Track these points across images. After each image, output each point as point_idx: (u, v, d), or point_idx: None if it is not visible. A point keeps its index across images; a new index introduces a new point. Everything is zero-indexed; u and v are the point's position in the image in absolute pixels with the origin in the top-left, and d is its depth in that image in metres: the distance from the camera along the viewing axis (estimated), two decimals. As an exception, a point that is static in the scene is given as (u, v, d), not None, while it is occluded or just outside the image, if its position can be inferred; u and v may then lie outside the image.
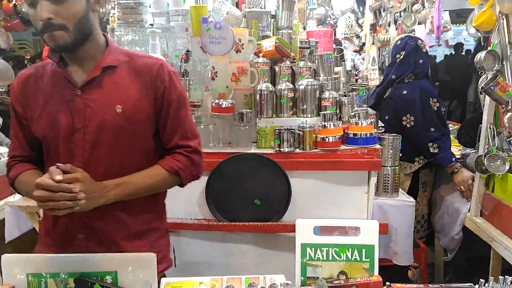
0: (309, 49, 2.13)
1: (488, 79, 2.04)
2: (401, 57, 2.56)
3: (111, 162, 1.19)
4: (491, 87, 1.98)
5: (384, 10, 4.69)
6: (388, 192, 2.03)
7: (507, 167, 2.02)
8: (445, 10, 3.09)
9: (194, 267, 1.98)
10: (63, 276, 1.22)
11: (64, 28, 1.08)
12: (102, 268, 1.22)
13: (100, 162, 1.18)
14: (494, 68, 2.03)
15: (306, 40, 2.16)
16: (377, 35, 4.67)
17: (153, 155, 1.27)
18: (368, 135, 1.90)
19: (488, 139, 2.12)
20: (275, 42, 2.01)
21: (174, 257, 1.80)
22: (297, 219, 1.29)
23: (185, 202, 1.95)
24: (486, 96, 2.10)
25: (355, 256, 1.26)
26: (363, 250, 1.25)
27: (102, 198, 1.13)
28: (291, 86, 1.98)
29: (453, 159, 2.42)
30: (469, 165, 2.34)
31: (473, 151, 2.37)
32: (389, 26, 4.29)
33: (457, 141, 2.65)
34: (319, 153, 1.91)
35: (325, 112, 1.94)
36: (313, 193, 1.94)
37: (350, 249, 1.26)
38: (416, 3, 3.88)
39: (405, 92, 2.53)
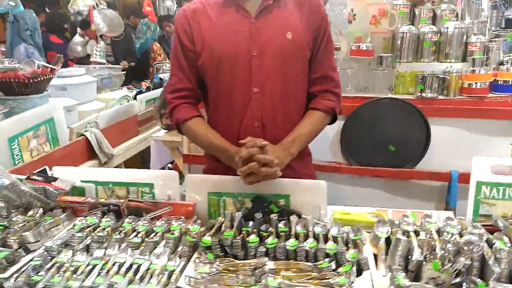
0: (452, -10, 1.99)
1: None
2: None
3: (282, 83, 1.27)
4: None
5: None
6: (534, 145, 1.90)
7: None
8: None
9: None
10: (240, 196, 1.33)
11: None
12: (276, 191, 1.30)
13: (273, 85, 1.26)
14: None
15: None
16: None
17: (306, 81, 1.33)
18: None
19: None
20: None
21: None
22: (474, 157, 1.26)
23: (318, 145, 1.99)
24: None
25: (535, 198, 1.21)
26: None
27: (288, 158, 1.25)
28: (435, 29, 1.89)
29: None
30: None
31: None
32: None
33: None
34: (465, 100, 1.83)
35: (473, 56, 1.83)
36: (452, 142, 1.88)
37: (529, 190, 1.22)
38: None
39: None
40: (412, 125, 1.86)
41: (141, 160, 3.02)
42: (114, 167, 2.49)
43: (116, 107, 2.76)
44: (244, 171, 1.16)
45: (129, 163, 2.70)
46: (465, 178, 1.87)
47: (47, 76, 2.05)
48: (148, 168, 2.65)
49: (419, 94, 1.84)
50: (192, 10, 1.29)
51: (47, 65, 2.09)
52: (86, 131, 2.36)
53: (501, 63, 1.89)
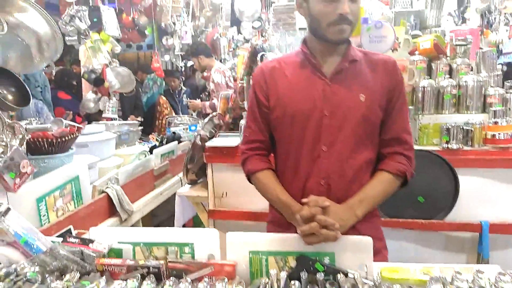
0: (465, 46, 2.09)
1: None
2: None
3: (350, 145, 1.27)
4: None
5: (490, 12, 4.49)
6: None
7: None
8: None
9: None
10: (283, 254, 1.30)
11: (351, 24, 1.21)
12: (320, 249, 1.27)
13: (342, 145, 1.27)
14: None
15: (462, 38, 2.13)
16: (485, 37, 4.48)
17: (376, 142, 1.33)
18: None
19: None
20: (434, 40, 2.01)
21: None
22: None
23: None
24: None
25: None
26: None
27: (352, 220, 1.23)
28: (454, 82, 1.96)
29: None
30: None
31: None
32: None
33: None
34: (490, 150, 1.86)
35: (495, 108, 1.89)
36: (480, 192, 1.89)
37: None
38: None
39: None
40: (440, 176, 1.87)
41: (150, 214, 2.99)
42: (133, 224, 2.46)
43: (135, 162, 2.77)
44: (304, 231, 1.15)
45: (142, 219, 2.66)
46: (495, 228, 1.86)
47: (74, 135, 2.08)
48: (163, 224, 2.62)
49: (445, 145, 1.87)
50: (270, 68, 1.35)
51: (75, 124, 2.12)
52: (107, 187, 2.35)
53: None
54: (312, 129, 1.27)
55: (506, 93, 1.98)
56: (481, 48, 2.32)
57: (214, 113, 2.36)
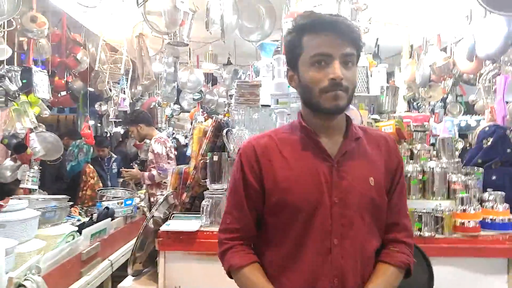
0: (424, 132, 2.17)
1: None
2: (489, 143, 2.63)
3: (364, 235, 1.13)
4: None
5: (415, 100, 4.96)
6: (526, 281, 1.92)
7: None
8: (507, 102, 3.27)
9: None
10: None
11: (346, 91, 1.10)
12: None
13: (355, 237, 1.12)
14: None
15: (420, 124, 2.21)
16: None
17: (383, 229, 1.20)
18: (506, 220, 1.85)
19: None
20: (396, 125, 2.05)
21: None
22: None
23: None
24: None
25: None
26: None
27: None
28: (419, 168, 1.97)
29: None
30: None
31: None
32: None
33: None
34: (460, 238, 1.84)
35: (462, 195, 1.90)
36: (453, 282, 1.82)
37: None
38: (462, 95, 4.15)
39: (494, 177, 2.56)
40: (414, 267, 1.78)
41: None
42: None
43: (61, 246, 2.33)
44: None
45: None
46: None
47: (-8, 215, 1.67)
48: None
49: (418, 232, 1.81)
50: (263, 146, 1.17)
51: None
52: (26, 279, 1.90)
53: (481, 200, 1.99)
54: (320, 220, 1.10)
55: (470, 179, 2.03)
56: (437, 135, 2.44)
57: (169, 192, 2.10)
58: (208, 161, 1.93)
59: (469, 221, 1.83)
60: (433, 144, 2.38)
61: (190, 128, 8.13)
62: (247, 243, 1.20)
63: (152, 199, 4.09)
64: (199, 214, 2.01)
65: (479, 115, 3.78)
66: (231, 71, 5.31)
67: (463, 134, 5.08)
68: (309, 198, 1.11)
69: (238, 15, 3.24)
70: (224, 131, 1.99)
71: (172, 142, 5.47)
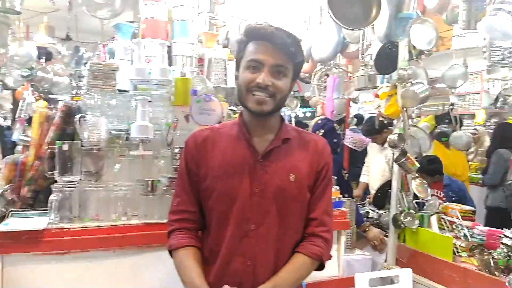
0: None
1: (399, 154, 2.67)
2: (321, 134, 3.07)
3: (278, 224, 1.25)
4: (404, 161, 2.61)
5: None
6: (349, 248, 2.34)
7: (417, 222, 2.60)
8: (334, 98, 3.83)
9: None
10: None
11: (273, 97, 1.24)
12: None
13: (271, 225, 1.24)
14: (402, 147, 2.69)
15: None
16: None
17: (304, 223, 1.32)
18: (337, 199, 2.21)
19: (399, 201, 2.71)
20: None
21: None
22: (356, 274, 1.45)
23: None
24: (395, 167, 2.72)
25: (398, 301, 1.48)
26: (403, 295, 1.50)
27: None
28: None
29: (365, 220, 2.94)
30: (383, 222, 2.89)
31: (383, 211, 2.95)
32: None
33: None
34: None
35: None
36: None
37: (394, 296, 1.48)
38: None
39: (324, 164, 3.02)
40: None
41: None
42: None
43: None
44: None
45: None
46: (312, 287, 2.08)
47: None
48: None
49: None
50: (203, 137, 1.33)
51: None
52: None
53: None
54: (240, 206, 1.23)
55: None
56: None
57: (6, 186, 1.79)
58: (56, 150, 1.72)
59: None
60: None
61: (12, 109, 6.97)
62: (192, 227, 1.33)
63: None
64: (44, 210, 1.79)
65: (313, 108, 4.35)
66: (71, 48, 4.76)
67: (298, 122, 5.79)
68: (232, 187, 1.25)
69: (85, -13, 2.92)
70: (77, 117, 1.80)
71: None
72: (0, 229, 1.56)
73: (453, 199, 3.24)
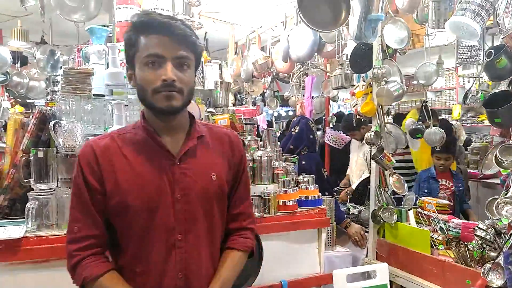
0: (252, 125, 2.41)
1: (376, 151, 2.73)
2: (296, 131, 3.10)
3: (206, 227, 1.20)
4: (381, 158, 2.66)
5: (240, 93, 5.40)
6: (330, 245, 2.38)
7: (395, 217, 2.66)
8: (313, 97, 3.89)
9: None
10: None
11: (181, 92, 1.12)
12: None
13: (199, 230, 1.18)
14: (379, 144, 2.75)
15: (250, 118, 2.44)
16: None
17: (225, 219, 1.29)
18: (316, 197, 2.25)
19: (378, 196, 2.77)
20: (230, 119, 2.22)
21: None
22: (334, 270, 1.48)
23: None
24: (373, 164, 2.78)
25: (376, 295, 1.52)
26: (380, 289, 1.54)
27: None
28: (250, 157, 2.20)
29: (345, 216, 2.99)
30: (363, 218, 2.94)
31: (363, 207, 3.00)
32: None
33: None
34: (283, 216, 2.14)
35: (283, 179, 2.21)
36: (278, 255, 2.12)
37: (371, 290, 1.52)
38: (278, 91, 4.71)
39: (304, 162, 3.04)
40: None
41: None
42: None
43: None
44: None
45: None
46: (294, 285, 2.12)
47: None
48: None
49: (250, 214, 2.03)
50: (103, 147, 1.15)
51: None
52: None
53: (297, 182, 2.35)
54: (163, 217, 1.13)
55: (288, 166, 2.36)
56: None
57: (-20, 195, 1.76)
58: (31, 158, 1.70)
59: (289, 201, 2.15)
60: (259, 135, 2.67)
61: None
62: (100, 251, 1.16)
63: None
64: (20, 218, 1.76)
65: (292, 107, 4.39)
66: (46, 51, 4.66)
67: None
68: (150, 197, 1.13)
69: (58, -10, 2.88)
70: (51, 123, 1.78)
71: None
72: (-24, 239, 1.53)
73: (460, 188, 3.30)
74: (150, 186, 1.13)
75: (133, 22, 1.15)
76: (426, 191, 3.29)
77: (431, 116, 2.73)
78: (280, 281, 2.07)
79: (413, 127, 2.79)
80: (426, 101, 2.86)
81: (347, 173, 4.30)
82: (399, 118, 3.61)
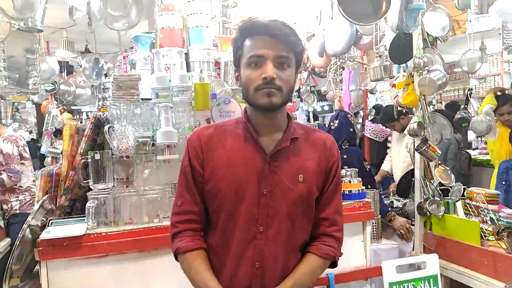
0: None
1: (420, 142, 2.68)
2: (335, 125, 3.09)
3: (288, 226, 1.23)
4: (425, 149, 2.61)
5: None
6: (376, 238, 2.37)
7: (442, 209, 2.61)
8: (351, 91, 3.85)
9: None
10: None
11: (280, 90, 1.18)
12: None
13: (280, 226, 1.22)
14: (423, 135, 2.69)
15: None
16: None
17: (312, 221, 1.31)
18: (360, 191, 2.24)
19: (423, 188, 2.72)
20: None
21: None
22: (382, 261, 1.48)
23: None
24: (417, 155, 2.73)
25: (426, 286, 1.51)
26: (431, 280, 1.53)
27: None
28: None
29: (389, 209, 2.95)
30: (408, 211, 2.90)
31: (407, 200, 2.96)
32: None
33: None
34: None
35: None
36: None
37: (422, 281, 1.51)
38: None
39: (345, 156, 3.03)
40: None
41: None
42: None
43: None
44: None
45: None
46: (340, 278, 2.13)
47: None
48: None
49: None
50: (207, 136, 1.27)
51: None
52: None
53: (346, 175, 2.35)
54: (248, 208, 1.20)
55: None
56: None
57: (44, 197, 1.91)
58: (89, 160, 1.82)
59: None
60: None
61: (37, 123, 7.21)
62: (197, 228, 1.28)
63: (5, 207, 3.60)
64: (80, 217, 1.90)
65: (329, 102, 4.37)
66: (91, 60, 4.91)
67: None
68: (239, 186, 1.21)
69: (102, 1, 3.03)
70: (106, 127, 1.89)
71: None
72: (43, 237, 1.67)
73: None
74: (241, 177, 1.21)
75: (239, 26, 1.26)
76: (504, 183, 3.14)
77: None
78: (326, 274, 2.08)
79: (459, 116, 2.71)
80: (471, 89, 2.77)
81: (382, 167, 4.21)
82: (453, 106, 3.50)
